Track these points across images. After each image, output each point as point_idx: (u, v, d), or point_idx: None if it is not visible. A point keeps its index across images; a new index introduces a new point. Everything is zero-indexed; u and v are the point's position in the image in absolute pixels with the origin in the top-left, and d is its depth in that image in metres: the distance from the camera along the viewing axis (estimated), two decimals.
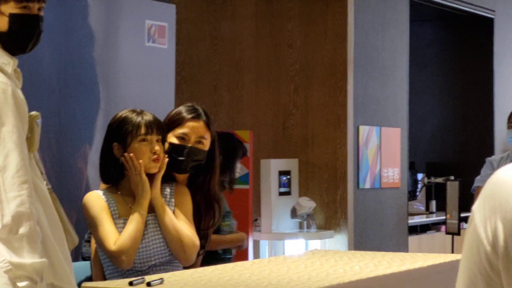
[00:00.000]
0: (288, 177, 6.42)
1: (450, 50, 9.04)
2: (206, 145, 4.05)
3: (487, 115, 8.80)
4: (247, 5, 6.75)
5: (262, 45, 6.72)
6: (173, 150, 3.96)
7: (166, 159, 3.76)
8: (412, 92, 7.62)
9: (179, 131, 4.01)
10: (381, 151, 7.04)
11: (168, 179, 3.88)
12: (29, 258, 2.82)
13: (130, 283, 3.13)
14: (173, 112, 4.13)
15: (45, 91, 3.13)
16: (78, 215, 3.42)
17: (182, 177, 4.05)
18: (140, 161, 3.68)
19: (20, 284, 2.80)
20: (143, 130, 3.70)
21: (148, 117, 3.76)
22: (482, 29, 8.82)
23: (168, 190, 3.86)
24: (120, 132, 3.73)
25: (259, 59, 6.71)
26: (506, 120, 6.01)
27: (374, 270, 3.54)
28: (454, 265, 3.74)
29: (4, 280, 2.82)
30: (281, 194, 6.37)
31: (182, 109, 4.09)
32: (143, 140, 3.70)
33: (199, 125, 4.04)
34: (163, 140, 3.79)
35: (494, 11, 8.79)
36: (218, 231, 4.36)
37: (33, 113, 3.02)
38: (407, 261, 3.85)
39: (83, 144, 5.80)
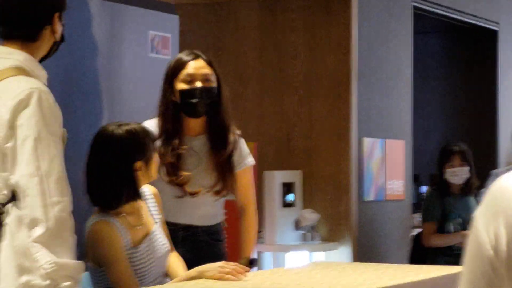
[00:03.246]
0: (292, 189, 6.43)
1: (454, 62, 9.05)
2: (213, 81, 4.10)
3: (491, 128, 8.80)
4: (250, 16, 6.77)
5: (265, 57, 6.73)
6: (184, 96, 4.00)
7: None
8: (416, 104, 7.63)
9: (184, 73, 4.07)
10: (385, 163, 7.05)
11: None
12: (69, 259, 2.85)
13: None
14: (173, 60, 4.18)
15: None
16: (80, 231, 3.40)
17: (199, 121, 4.08)
18: None
19: (64, 283, 2.83)
20: (155, 141, 3.68)
21: (138, 124, 3.71)
22: (486, 41, 8.83)
23: (148, 193, 3.77)
24: (141, 147, 3.60)
25: (262, 71, 6.72)
26: (511, 133, 6.03)
27: (377, 282, 3.54)
28: (457, 277, 3.74)
29: (38, 281, 2.83)
30: (284, 205, 6.37)
31: (180, 55, 4.17)
32: (155, 151, 3.68)
33: (201, 63, 4.12)
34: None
35: (498, 23, 8.81)
36: None
37: (63, 129, 3.05)
38: (410, 273, 3.86)
39: (84, 158, 5.81)
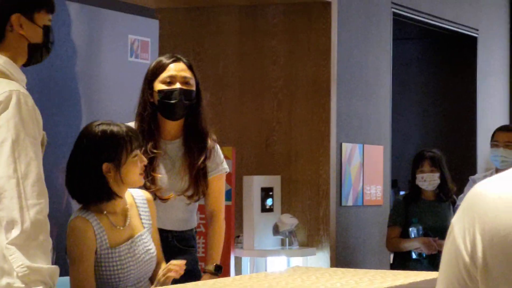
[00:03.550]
0: (271, 194, 6.43)
1: (433, 68, 9.08)
2: (193, 85, 4.11)
3: (470, 134, 8.83)
4: (231, 21, 6.77)
5: (245, 62, 6.73)
6: (163, 96, 3.99)
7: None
8: (395, 110, 7.66)
9: (164, 75, 4.06)
10: (364, 169, 7.07)
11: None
12: (44, 264, 2.85)
13: None
14: (153, 62, 4.18)
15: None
16: (58, 231, 3.41)
17: (176, 124, 4.07)
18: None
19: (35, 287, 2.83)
20: (135, 145, 3.58)
21: (128, 127, 3.64)
22: (465, 47, 8.85)
23: (139, 196, 3.75)
24: (111, 150, 3.54)
25: (242, 75, 6.72)
26: (490, 139, 6.05)
27: (355, 287, 3.54)
28: (435, 283, 3.75)
29: (18, 285, 2.84)
30: (263, 210, 6.37)
31: (161, 57, 4.17)
32: (136, 155, 3.59)
33: (181, 66, 4.12)
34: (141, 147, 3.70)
35: (477, 30, 8.84)
36: None
37: (43, 132, 3.06)
38: (388, 278, 3.86)
39: (63, 160, 5.80)
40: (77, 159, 3.60)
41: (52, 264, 2.99)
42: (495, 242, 1.32)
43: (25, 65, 3.11)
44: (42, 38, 3.07)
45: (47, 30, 3.08)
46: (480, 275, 1.33)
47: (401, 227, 6.35)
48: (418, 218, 6.29)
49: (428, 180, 6.27)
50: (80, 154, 3.59)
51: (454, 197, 6.42)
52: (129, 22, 6.35)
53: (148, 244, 3.67)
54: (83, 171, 3.56)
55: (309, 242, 6.59)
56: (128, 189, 3.67)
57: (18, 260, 2.83)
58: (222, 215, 4.22)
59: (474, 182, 6.01)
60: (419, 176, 6.31)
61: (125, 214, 3.64)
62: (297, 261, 6.39)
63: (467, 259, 1.34)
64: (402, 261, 6.32)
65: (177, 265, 3.58)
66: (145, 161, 3.64)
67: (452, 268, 1.36)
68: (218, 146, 4.20)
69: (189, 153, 4.02)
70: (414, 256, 6.27)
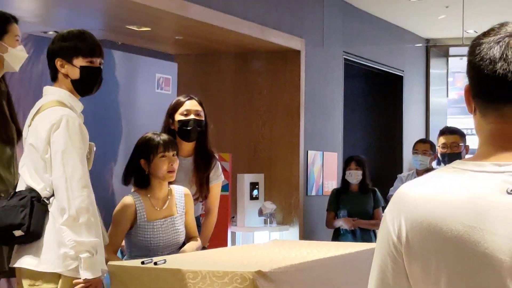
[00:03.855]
0: (257, 187, 6.43)
1: (372, 98, 9.08)
2: (202, 116, 4.07)
3: (398, 144, 8.85)
4: (228, 64, 6.76)
5: (239, 93, 6.72)
6: (182, 124, 3.96)
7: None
8: (346, 127, 7.66)
9: (182, 109, 4.03)
10: (323, 169, 7.07)
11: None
12: (86, 238, 2.83)
13: (142, 263, 3.12)
14: (173, 101, 4.16)
15: (86, 125, 3.12)
16: (105, 214, 3.39)
17: (190, 146, 4.03)
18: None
19: (82, 255, 2.81)
20: (162, 149, 3.58)
21: (164, 137, 3.64)
22: (395, 83, 8.87)
23: (180, 192, 3.71)
24: (144, 150, 3.59)
25: (236, 102, 6.71)
26: (412, 148, 6.06)
27: (317, 254, 3.54)
28: (371, 250, 3.75)
29: (71, 253, 2.83)
30: (251, 199, 6.37)
31: (179, 97, 4.16)
32: (163, 156, 3.58)
33: (194, 103, 4.07)
34: (177, 153, 3.66)
35: (403, 70, 8.87)
36: None
37: (91, 143, 3.03)
38: (340, 248, 3.85)
39: (110, 162, 5.79)
40: (130, 157, 3.70)
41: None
42: (414, 226, 1.31)
43: (82, 95, 3.08)
44: (80, 75, 3.01)
45: (84, 69, 3.01)
46: (404, 249, 1.32)
47: (334, 211, 6.29)
48: (345, 204, 6.23)
49: (354, 176, 6.21)
50: (131, 153, 3.69)
51: (374, 188, 6.34)
52: (156, 64, 6.35)
53: (178, 225, 3.64)
54: (132, 165, 3.63)
55: (284, 222, 6.59)
56: (172, 185, 3.68)
57: (67, 236, 2.82)
58: (215, 211, 4.15)
59: (401, 178, 6.01)
60: (347, 172, 6.23)
61: (165, 200, 3.62)
62: (275, 235, 6.39)
63: (395, 238, 1.32)
64: (336, 235, 6.26)
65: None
66: (174, 162, 3.60)
67: (385, 244, 1.34)
68: (218, 163, 4.13)
69: (198, 168, 3.96)
70: (341, 231, 6.25)
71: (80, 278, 2.83)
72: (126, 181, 3.68)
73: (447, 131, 5.15)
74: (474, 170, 1.31)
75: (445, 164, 4.99)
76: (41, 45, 4.91)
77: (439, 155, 5.26)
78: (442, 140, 5.11)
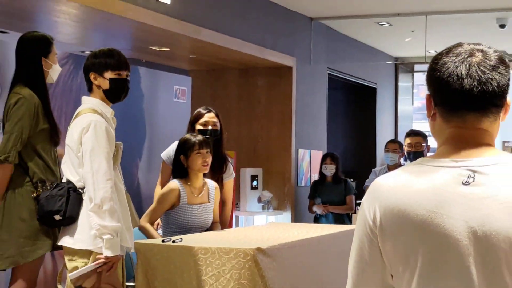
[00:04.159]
0: (256, 179, 6.43)
1: (351, 106, 9.08)
2: (218, 126, 4.06)
3: (372, 144, 8.85)
4: (233, 77, 6.76)
5: (241, 101, 6.73)
6: (201, 133, 3.94)
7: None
8: (329, 130, 7.66)
9: (201, 121, 4.03)
10: (311, 164, 7.07)
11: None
12: (109, 223, 2.82)
13: (162, 241, 3.13)
14: (195, 112, 4.14)
15: (116, 130, 3.12)
16: (133, 202, 3.37)
17: None
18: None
19: (104, 237, 2.81)
20: (197, 147, 3.61)
21: (199, 137, 3.66)
22: (369, 94, 8.86)
23: (212, 185, 3.73)
24: (183, 148, 3.63)
25: (239, 109, 6.71)
26: (383, 147, 6.06)
27: (305, 234, 3.55)
28: (349, 231, 3.77)
29: (96, 234, 2.84)
30: (252, 188, 6.37)
31: (199, 109, 4.13)
32: (198, 153, 3.61)
33: (212, 115, 4.07)
34: (211, 151, 3.67)
35: (376, 83, 8.87)
36: None
37: (119, 142, 3.02)
38: (324, 229, 3.87)
39: (135, 158, 5.79)
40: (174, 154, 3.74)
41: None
42: (386, 212, 1.31)
43: (112, 103, 3.06)
44: (109, 86, 3.01)
45: (112, 81, 3.00)
46: (378, 231, 1.32)
47: (313, 199, 6.24)
48: (320, 193, 6.18)
49: (328, 169, 6.18)
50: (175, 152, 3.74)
51: (346, 179, 6.25)
52: (174, 78, 6.34)
53: (209, 211, 3.67)
54: (175, 160, 3.67)
55: (279, 207, 6.59)
56: (206, 179, 3.71)
57: (93, 220, 2.82)
58: (230, 201, 4.14)
59: (374, 172, 6.00)
60: (323, 166, 6.19)
61: (200, 190, 3.65)
62: (271, 218, 6.39)
63: (370, 222, 1.32)
64: (315, 218, 6.23)
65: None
66: (207, 157, 3.61)
67: (362, 227, 1.34)
68: (230, 164, 4.12)
69: (213, 169, 3.92)
70: (317, 215, 6.20)
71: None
72: (176, 174, 3.69)
73: (412, 133, 5.18)
74: (436, 165, 1.31)
75: (410, 161, 5.03)
76: (79, 62, 4.90)
77: (405, 153, 5.28)
78: (407, 140, 5.14)
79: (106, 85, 3.00)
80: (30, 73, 3.25)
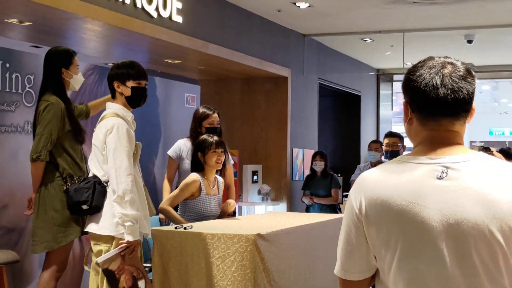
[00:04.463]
0: (256, 174, 6.43)
1: (338, 111, 9.08)
2: (219, 122, 4.15)
3: (356, 144, 8.85)
4: (236, 86, 6.76)
5: (244, 106, 6.72)
6: (208, 131, 4.00)
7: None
8: (320, 131, 7.66)
9: (210, 120, 4.09)
10: (304, 161, 7.07)
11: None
12: (130, 212, 2.82)
13: (175, 228, 3.13)
14: (201, 112, 4.16)
15: (136, 131, 3.11)
16: (149, 194, 3.37)
17: None
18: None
19: (126, 224, 2.81)
20: (214, 146, 3.61)
21: (215, 138, 3.67)
22: (354, 100, 8.86)
23: (220, 180, 3.74)
24: (201, 146, 3.63)
25: (242, 113, 6.70)
26: (367, 146, 6.05)
27: (299, 222, 3.55)
28: (339, 219, 3.80)
29: (119, 221, 2.83)
30: (252, 182, 6.37)
31: (204, 109, 4.17)
32: (214, 151, 3.61)
33: (216, 115, 4.15)
34: (225, 151, 3.68)
35: (360, 91, 8.88)
36: None
37: (138, 142, 3.02)
38: (315, 217, 3.87)
39: (152, 156, 5.79)
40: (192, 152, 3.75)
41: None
42: (370, 202, 1.31)
43: (133, 108, 3.07)
44: (131, 93, 3.01)
45: (133, 89, 3.01)
46: (363, 218, 1.32)
47: (305, 191, 6.22)
48: (310, 186, 6.15)
49: (318, 165, 6.17)
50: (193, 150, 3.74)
51: (332, 174, 6.21)
52: (185, 87, 6.33)
53: (219, 202, 3.67)
54: (194, 156, 3.65)
55: (276, 199, 6.59)
56: (217, 175, 3.71)
57: (116, 210, 2.82)
58: (233, 184, 4.18)
59: (359, 168, 5.99)
60: (314, 163, 6.16)
61: (214, 183, 3.65)
62: (270, 208, 6.39)
63: (357, 210, 1.33)
64: (306, 208, 6.22)
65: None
66: (221, 156, 3.62)
67: (350, 215, 1.35)
68: (228, 153, 4.16)
69: None
70: (307, 205, 6.19)
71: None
72: (195, 169, 3.67)
73: (389, 135, 5.21)
74: (414, 162, 1.32)
75: (388, 158, 5.04)
76: (103, 73, 4.90)
77: (383, 151, 5.30)
78: (386, 140, 5.16)
79: (128, 92, 3.01)
80: (54, 82, 3.29)
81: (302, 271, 3.33)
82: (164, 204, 3.53)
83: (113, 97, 3.04)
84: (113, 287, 2.83)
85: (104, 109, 3.06)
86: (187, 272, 3.02)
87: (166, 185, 4.08)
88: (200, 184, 3.57)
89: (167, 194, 3.92)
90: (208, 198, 3.58)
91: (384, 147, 5.19)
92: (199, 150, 3.63)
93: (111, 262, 2.81)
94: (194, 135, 4.12)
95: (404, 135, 5.89)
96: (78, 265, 4.51)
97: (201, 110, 4.19)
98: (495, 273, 1.22)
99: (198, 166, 3.63)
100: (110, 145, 2.86)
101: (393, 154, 5.01)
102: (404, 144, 5.14)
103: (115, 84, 3.01)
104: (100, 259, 2.81)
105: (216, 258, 2.96)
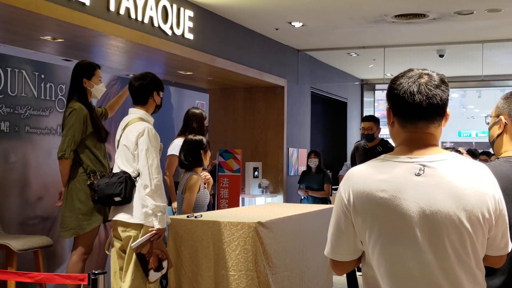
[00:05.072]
0: (257, 170, 6.43)
1: (328, 116, 9.08)
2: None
3: (343, 144, 8.86)
4: (239, 94, 6.75)
5: (246, 112, 6.71)
6: (207, 128, 4.01)
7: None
8: (312, 133, 7.66)
9: (207, 120, 4.14)
10: (298, 159, 7.06)
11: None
12: (160, 203, 2.82)
13: (187, 216, 3.14)
14: (202, 113, 4.16)
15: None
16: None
17: None
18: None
19: (158, 214, 2.81)
20: (209, 147, 3.61)
21: (207, 139, 3.65)
22: (341, 107, 8.87)
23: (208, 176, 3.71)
24: (203, 146, 3.59)
25: (245, 118, 6.69)
26: (353, 146, 6.02)
27: (294, 211, 3.54)
28: (329, 209, 3.78)
29: (151, 212, 2.83)
30: (254, 177, 6.36)
31: (201, 111, 4.17)
32: (208, 151, 3.61)
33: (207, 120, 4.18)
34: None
35: (347, 98, 8.88)
36: None
37: (160, 143, 3.03)
38: (308, 208, 3.87)
39: (166, 156, 5.78)
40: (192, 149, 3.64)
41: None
42: (358, 195, 1.31)
43: (155, 113, 3.08)
44: (160, 102, 3.06)
45: (161, 98, 3.07)
46: (351, 208, 1.32)
47: (300, 184, 6.18)
48: (305, 181, 6.09)
49: (313, 162, 6.12)
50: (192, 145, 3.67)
51: (325, 170, 6.15)
52: (196, 95, 6.33)
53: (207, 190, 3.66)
54: (194, 154, 3.57)
55: (274, 192, 6.58)
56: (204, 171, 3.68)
57: (149, 202, 2.82)
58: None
59: (346, 165, 5.98)
60: (309, 160, 6.10)
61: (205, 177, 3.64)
62: (269, 200, 6.38)
63: (346, 201, 1.33)
64: (300, 200, 6.17)
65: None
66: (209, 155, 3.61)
67: (339, 205, 1.35)
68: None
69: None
70: (301, 198, 6.18)
71: (153, 228, 2.84)
72: (190, 166, 3.60)
73: (365, 119, 4.85)
74: (395, 161, 1.32)
75: (365, 141, 4.83)
76: (125, 83, 4.89)
77: (360, 134, 5.05)
78: (362, 124, 4.88)
79: (159, 101, 3.05)
80: (78, 91, 3.34)
81: (296, 253, 3.33)
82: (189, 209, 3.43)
83: (144, 103, 3.01)
84: (144, 267, 2.84)
85: (118, 109, 3.05)
86: (197, 254, 3.04)
87: (172, 182, 4.03)
88: (199, 180, 3.56)
89: (174, 191, 3.88)
90: (204, 191, 3.57)
91: (360, 130, 5.00)
92: (201, 148, 3.59)
93: (143, 247, 2.84)
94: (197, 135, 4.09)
95: (387, 136, 5.81)
96: (103, 249, 4.51)
97: (198, 111, 4.17)
98: (464, 256, 1.24)
99: (196, 163, 3.56)
100: (142, 146, 2.85)
101: (368, 137, 4.73)
102: (380, 127, 4.91)
103: (155, 93, 3.02)
104: (134, 244, 2.83)
105: (222, 243, 2.97)
